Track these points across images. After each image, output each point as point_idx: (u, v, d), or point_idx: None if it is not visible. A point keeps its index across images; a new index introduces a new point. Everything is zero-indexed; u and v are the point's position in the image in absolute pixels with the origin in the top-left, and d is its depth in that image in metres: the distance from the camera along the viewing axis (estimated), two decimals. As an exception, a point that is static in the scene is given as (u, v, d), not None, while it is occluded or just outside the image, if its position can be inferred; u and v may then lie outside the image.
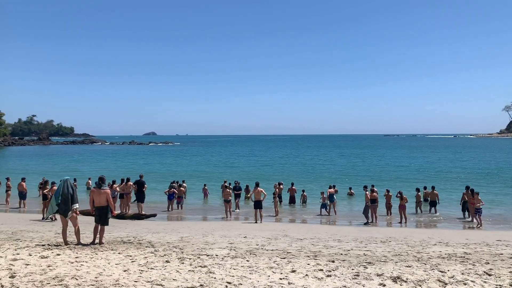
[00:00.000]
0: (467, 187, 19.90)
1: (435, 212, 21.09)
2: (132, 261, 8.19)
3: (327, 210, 20.94)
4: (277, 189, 22.15)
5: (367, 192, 19.02)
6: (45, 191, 18.51)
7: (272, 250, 10.16)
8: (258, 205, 18.22)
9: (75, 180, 25.81)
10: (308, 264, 8.16)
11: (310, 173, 43.70)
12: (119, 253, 9.04)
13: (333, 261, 8.54)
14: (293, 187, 24.38)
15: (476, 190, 18.91)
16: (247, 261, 8.48)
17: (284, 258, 8.90)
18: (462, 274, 7.46)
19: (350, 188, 27.23)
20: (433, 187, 22.14)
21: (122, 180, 20.68)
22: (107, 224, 10.63)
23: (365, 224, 18.23)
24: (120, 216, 18.12)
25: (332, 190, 21.35)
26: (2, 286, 6.31)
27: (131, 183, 20.29)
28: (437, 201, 21.44)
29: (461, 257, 9.44)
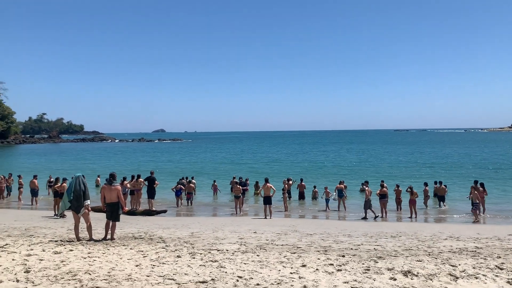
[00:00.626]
0: (476, 182, 19.85)
1: (444, 206, 21.09)
2: (143, 256, 8.28)
3: (328, 205, 20.90)
4: (286, 185, 22.16)
5: (367, 188, 19.06)
6: (55, 186, 18.78)
7: (282, 245, 10.20)
8: (267, 201, 18.26)
9: (83, 177, 26.04)
10: (319, 259, 8.18)
11: (319, 169, 43.62)
12: (130, 249, 9.14)
13: (343, 256, 8.56)
14: (302, 183, 24.38)
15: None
16: (258, 255, 8.53)
17: (294, 253, 8.93)
18: (474, 268, 7.44)
19: (363, 184, 27.12)
20: (440, 182, 22.16)
21: (133, 177, 20.85)
22: (118, 220, 10.75)
23: (362, 218, 18.35)
24: (131, 212, 18.25)
25: (341, 185, 21.34)
26: (18, 280, 6.42)
27: (142, 180, 20.44)
28: (445, 196, 21.58)
29: (472, 251, 9.40)
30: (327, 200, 21.04)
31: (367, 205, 18.53)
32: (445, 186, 22.32)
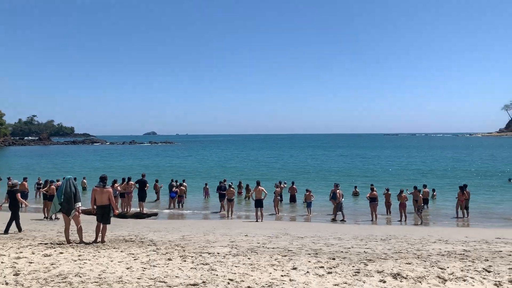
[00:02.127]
0: (464, 186, 20.21)
1: (427, 208, 21.41)
2: (134, 259, 8.27)
3: (310, 209, 20.90)
4: (277, 188, 22.20)
5: (338, 191, 19.46)
6: (43, 189, 18.67)
7: (273, 248, 10.23)
8: (259, 204, 18.30)
9: (75, 179, 25.88)
10: (309, 262, 8.24)
11: (309, 173, 43.74)
12: (121, 251, 9.11)
13: (333, 259, 8.62)
14: (294, 186, 24.44)
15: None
16: (249, 258, 8.55)
17: (285, 255, 8.97)
18: (462, 270, 7.54)
19: (355, 187, 27.29)
20: (425, 186, 22.39)
21: (123, 180, 20.76)
22: (109, 222, 10.70)
23: (332, 220, 18.92)
24: (121, 215, 18.19)
25: (334, 189, 21.44)
26: (7, 283, 6.38)
27: (132, 182, 20.38)
28: (428, 199, 21.91)
29: (461, 254, 9.52)
30: (309, 204, 20.97)
31: (339, 207, 18.86)
32: (433, 190, 22.61)
